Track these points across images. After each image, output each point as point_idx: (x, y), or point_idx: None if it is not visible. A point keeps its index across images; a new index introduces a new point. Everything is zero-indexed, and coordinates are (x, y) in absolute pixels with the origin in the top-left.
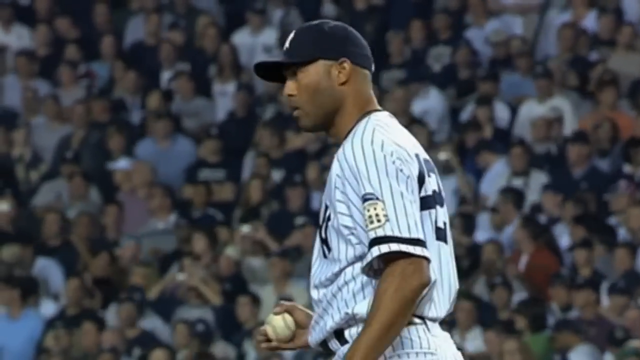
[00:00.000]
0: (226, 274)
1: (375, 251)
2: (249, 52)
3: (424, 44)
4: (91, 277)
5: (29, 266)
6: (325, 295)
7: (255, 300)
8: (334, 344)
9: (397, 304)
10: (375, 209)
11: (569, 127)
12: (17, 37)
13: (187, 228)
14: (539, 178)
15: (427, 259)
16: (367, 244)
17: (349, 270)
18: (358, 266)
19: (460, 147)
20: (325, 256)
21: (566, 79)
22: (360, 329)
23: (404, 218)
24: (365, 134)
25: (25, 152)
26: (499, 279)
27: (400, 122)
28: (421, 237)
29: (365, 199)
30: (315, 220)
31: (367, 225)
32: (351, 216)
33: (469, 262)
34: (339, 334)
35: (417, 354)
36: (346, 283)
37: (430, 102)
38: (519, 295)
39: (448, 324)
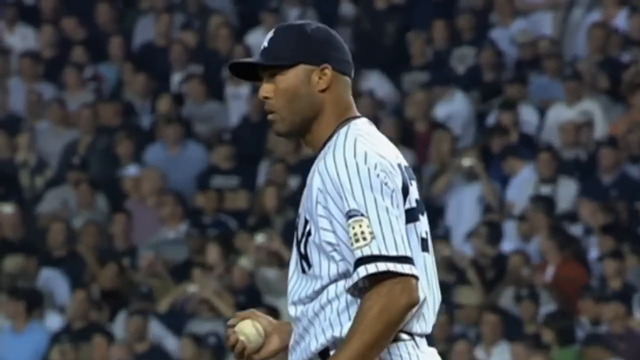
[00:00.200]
0: (240, 286)
1: (362, 271)
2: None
3: (447, 45)
4: (98, 289)
5: (33, 277)
6: (305, 313)
7: (271, 313)
8: None
9: (382, 325)
10: (360, 226)
11: (599, 131)
12: (21, 38)
13: (199, 238)
14: (567, 185)
15: (416, 277)
16: (351, 261)
17: (331, 288)
18: (341, 284)
19: (485, 153)
20: (304, 271)
21: (596, 81)
22: None
23: (390, 235)
24: (347, 145)
25: (30, 157)
26: (525, 291)
27: (423, 128)
28: (408, 254)
29: (349, 215)
30: None
31: (352, 244)
32: (334, 232)
33: (494, 273)
34: (324, 354)
35: None
36: (329, 302)
37: (454, 106)
38: (547, 307)
39: (473, 337)
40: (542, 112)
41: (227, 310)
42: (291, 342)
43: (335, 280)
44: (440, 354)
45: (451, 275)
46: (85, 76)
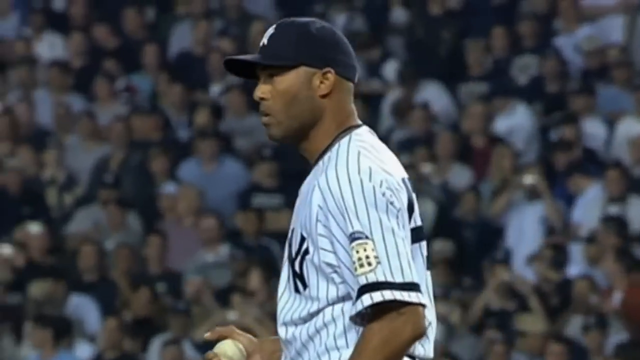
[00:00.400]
0: None
1: (367, 300)
2: None
3: (508, 53)
4: (131, 317)
5: (62, 304)
6: (298, 336)
7: None
8: None
9: (383, 358)
10: (364, 249)
11: None
12: (49, 47)
13: (241, 261)
14: (638, 205)
15: (423, 305)
16: (353, 286)
17: (328, 310)
18: (339, 307)
19: (548, 170)
20: (298, 291)
21: None
22: None
23: (397, 259)
24: (350, 159)
25: (58, 174)
26: (593, 319)
27: (481, 143)
28: (415, 279)
29: (353, 237)
30: None
31: (355, 269)
32: (335, 253)
33: (559, 300)
34: None
35: None
36: (325, 325)
37: (516, 120)
38: (617, 337)
39: None
40: (610, 125)
41: None
42: None
43: (333, 303)
44: None
45: (511, 302)
46: (118, 87)
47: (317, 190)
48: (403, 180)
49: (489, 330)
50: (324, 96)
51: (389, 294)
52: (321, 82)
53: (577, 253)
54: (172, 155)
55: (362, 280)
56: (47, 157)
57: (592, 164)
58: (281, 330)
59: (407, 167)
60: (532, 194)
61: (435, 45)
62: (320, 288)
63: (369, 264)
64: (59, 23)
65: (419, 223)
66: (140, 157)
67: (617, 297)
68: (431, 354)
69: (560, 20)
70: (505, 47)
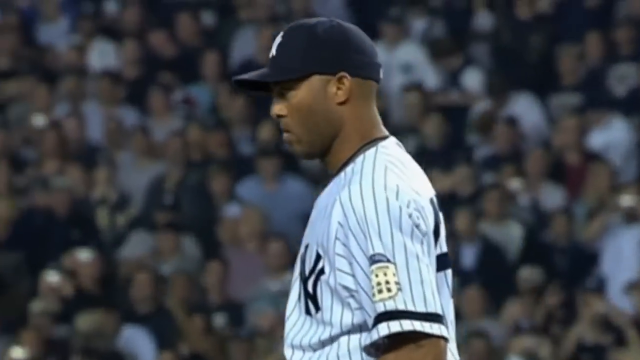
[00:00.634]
0: None
1: (384, 329)
2: (383, 72)
3: (603, 61)
4: (188, 350)
5: (113, 337)
6: None
7: None
8: None
9: None
10: (385, 274)
11: None
12: (100, 55)
13: None
14: None
15: (445, 339)
16: (371, 313)
17: (343, 341)
18: (355, 338)
19: None
20: (308, 313)
21: None
22: None
23: (419, 287)
24: (376, 174)
25: (109, 195)
26: None
27: (575, 159)
28: (439, 310)
29: (373, 260)
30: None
31: (374, 294)
32: (353, 276)
33: None
34: None
35: None
36: (339, 358)
37: (612, 134)
38: None
39: None
40: None
41: None
42: None
43: (348, 332)
44: None
45: (607, 335)
46: (175, 99)
47: (337, 205)
48: (431, 200)
49: None
50: (342, 103)
51: (408, 324)
52: (337, 89)
53: None
54: (233, 174)
55: (380, 308)
56: (97, 175)
57: None
58: (287, 352)
59: (493, 186)
60: (631, 217)
61: (523, 52)
62: (334, 312)
63: (389, 290)
64: (111, 29)
65: (444, 249)
66: (199, 176)
67: None
68: None
69: None
70: (601, 55)
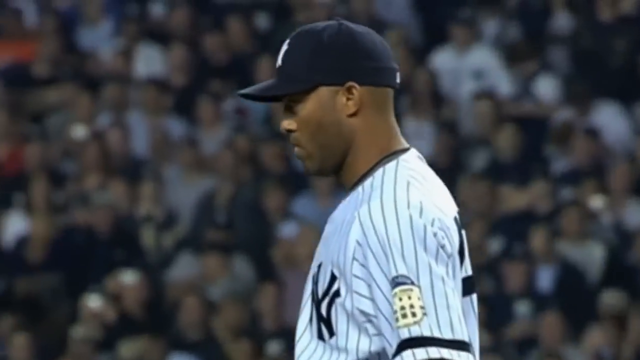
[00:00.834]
0: None
1: (408, 357)
2: (453, 79)
3: None
4: None
5: None
6: None
7: None
8: None
9: None
10: (409, 297)
11: None
12: (145, 61)
13: None
14: None
15: None
16: (392, 340)
17: None
18: None
19: None
20: (321, 338)
21: None
22: None
23: (445, 312)
24: (398, 189)
25: (155, 211)
26: None
27: None
28: (466, 338)
29: (396, 282)
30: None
31: (397, 319)
32: (372, 300)
33: None
34: None
35: None
36: None
37: None
38: None
39: None
40: None
41: None
42: None
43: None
44: None
45: None
46: (225, 109)
47: (356, 223)
48: (455, 219)
49: None
50: (353, 115)
51: (434, 352)
52: (347, 99)
53: None
54: (288, 190)
55: (404, 334)
56: (142, 191)
57: None
58: None
59: (572, 203)
60: None
61: (605, 56)
62: (350, 338)
63: (414, 314)
64: (157, 33)
65: (469, 272)
66: (252, 192)
67: None
68: None
69: None
70: None
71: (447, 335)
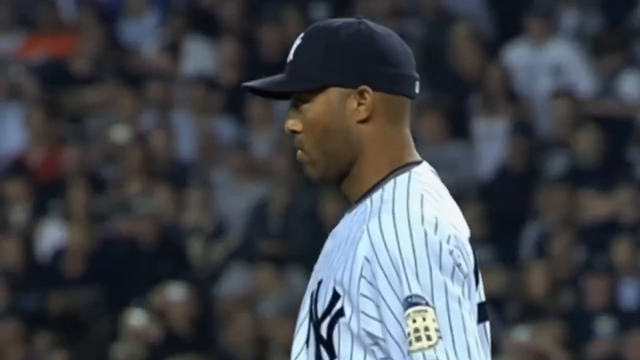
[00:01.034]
0: None
1: None
2: (528, 75)
3: None
4: None
5: None
6: None
7: None
8: None
9: None
10: (424, 319)
11: None
12: (193, 57)
13: None
14: None
15: None
16: None
17: None
18: None
19: None
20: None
21: None
22: None
23: (462, 335)
24: (412, 203)
25: (203, 220)
26: None
27: None
28: None
29: (410, 302)
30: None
31: (410, 342)
32: (381, 321)
33: None
34: None
35: None
36: None
37: None
38: None
39: None
40: None
41: None
42: None
43: None
44: None
45: None
46: (279, 109)
47: (365, 238)
48: (470, 240)
49: None
50: (363, 121)
51: None
52: (358, 104)
53: None
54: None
55: (419, 358)
56: (189, 198)
57: None
58: None
59: None
60: None
61: None
62: None
63: (429, 337)
64: (206, 26)
65: (483, 298)
66: (309, 199)
67: None
68: None
69: None
70: None
71: (464, 359)
